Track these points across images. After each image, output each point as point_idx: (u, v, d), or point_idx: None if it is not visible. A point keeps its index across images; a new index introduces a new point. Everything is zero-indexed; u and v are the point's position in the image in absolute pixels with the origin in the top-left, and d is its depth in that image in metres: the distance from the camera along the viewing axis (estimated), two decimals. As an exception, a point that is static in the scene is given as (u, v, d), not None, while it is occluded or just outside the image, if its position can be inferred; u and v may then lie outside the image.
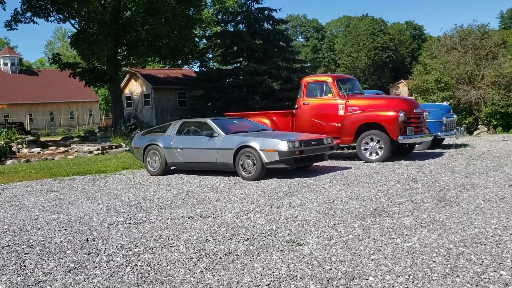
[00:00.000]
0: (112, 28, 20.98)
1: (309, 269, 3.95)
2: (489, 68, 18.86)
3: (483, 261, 3.89)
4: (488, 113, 18.46)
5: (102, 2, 21.66)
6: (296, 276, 3.79)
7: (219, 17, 31.70)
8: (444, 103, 15.50)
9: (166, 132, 10.92)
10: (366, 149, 11.21)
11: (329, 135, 11.66)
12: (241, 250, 4.57)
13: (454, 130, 13.66)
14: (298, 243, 4.70)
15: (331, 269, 3.92)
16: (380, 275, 3.70)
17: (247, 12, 26.51)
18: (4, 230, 5.84)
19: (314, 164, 11.05)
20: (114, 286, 3.75)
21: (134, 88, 29.59)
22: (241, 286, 3.65)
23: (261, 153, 9.18)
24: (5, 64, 55.53)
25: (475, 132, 18.97)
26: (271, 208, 6.49)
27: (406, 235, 4.80)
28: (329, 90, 12.02)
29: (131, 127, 21.48)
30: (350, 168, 10.38)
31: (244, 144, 9.41)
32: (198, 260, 4.32)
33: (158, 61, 28.49)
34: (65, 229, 5.75)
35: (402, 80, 47.87)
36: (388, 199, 6.71)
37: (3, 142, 14.98)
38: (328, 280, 3.66)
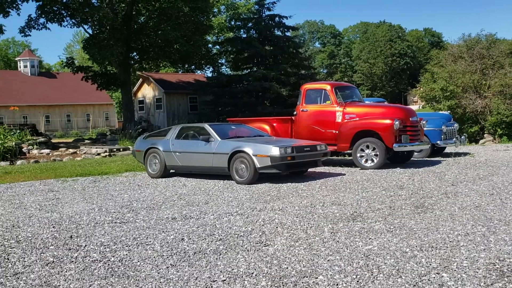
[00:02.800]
0: (123, 33, 21.55)
1: (267, 267, 4.20)
2: (495, 77, 18.86)
3: (430, 264, 4.10)
4: (494, 122, 18.46)
5: (114, 8, 22.23)
6: (252, 273, 4.05)
7: (232, 23, 32.09)
8: (445, 112, 15.58)
9: (166, 136, 11.25)
10: (362, 156, 11.40)
11: (326, 141, 11.90)
12: (211, 249, 4.85)
13: (454, 139, 13.76)
14: (265, 244, 4.96)
15: (287, 268, 4.17)
16: (330, 275, 3.94)
17: (258, 19, 26.87)
18: (-2, 226, 6.21)
19: (310, 170, 11.30)
20: (83, 279, 4.06)
21: (147, 92, 30.14)
22: (199, 281, 3.92)
23: (254, 158, 9.44)
24: (25, 66, 56.86)
25: (480, 141, 18.96)
26: (253, 211, 6.76)
27: (370, 238, 5.02)
28: (327, 97, 12.25)
29: (139, 130, 21.95)
30: (344, 174, 10.58)
31: (238, 149, 9.69)
32: (167, 258, 4.61)
33: (169, 66, 29.02)
34: (53, 227, 6.09)
35: (409, 89, 47.53)
36: (368, 205, 6.92)
37: (13, 143, 15.51)
38: (280, 278, 3.91)
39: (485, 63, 19.48)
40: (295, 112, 12.79)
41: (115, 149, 17.21)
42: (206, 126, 10.78)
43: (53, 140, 24.08)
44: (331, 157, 13.92)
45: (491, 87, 18.88)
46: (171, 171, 11.30)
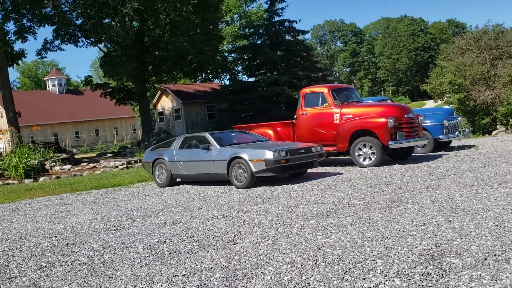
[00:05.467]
0: (135, 50, 22.47)
1: (227, 262, 4.70)
2: (504, 67, 18.83)
3: (372, 252, 4.52)
4: (505, 113, 18.41)
5: (126, 26, 23.19)
6: (212, 268, 4.56)
7: (246, 30, 32.73)
8: (447, 106, 15.67)
9: (171, 147, 11.88)
10: (359, 155, 11.76)
11: (326, 142, 12.35)
12: (185, 250, 5.38)
13: (456, 132, 13.94)
14: (235, 242, 5.46)
15: (244, 261, 4.66)
16: (279, 266, 4.41)
17: (268, 25, 27.40)
18: (6, 239, 6.90)
19: (310, 170, 11.74)
20: (66, 279, 4.65)
21: (166, 103, 31.04)
22: (163, 276, 4.45)
23: (250, 163, 9.95)
24: (53, 85, 58.95)
25: (493, 132, 18.95)
26: (238, 213, 7.26)
27: (331, 232, 5.46)
28: (325, 100, 12.66)
29: (154, 142, 22.75)
30: (341, 173, 10.97)
31: (236, 155, 10.22)
32: (144, 258, 5.16)
33: (183, 77, 29.89)
34: (55, 236, 6.74)
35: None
36: (348, 202, 7.33)
37: (37, 161, 16.46)
38: (234, 271, 4.41)
39: (493, 53, 19.46)
40: (295, 116, 13.24)
41: (132, 161, 17.98)
42: (207, 135, 11.34)
43: (78, 156, 25.16)
44: (334, 157, 14.35)
45: (500, 77, 18.84)
46: (178, 179, 11.90)
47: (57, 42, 23.27)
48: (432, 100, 24.23)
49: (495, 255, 4.10)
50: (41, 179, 15.73)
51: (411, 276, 3.77)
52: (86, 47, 24.48)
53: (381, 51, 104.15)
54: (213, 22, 25.76)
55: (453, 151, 13.51)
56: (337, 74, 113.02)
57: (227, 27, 38.40)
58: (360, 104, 12.78)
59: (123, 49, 22.33)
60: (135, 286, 4.24)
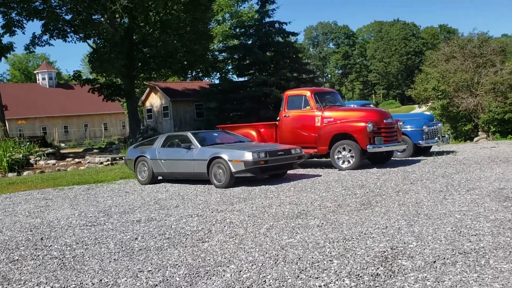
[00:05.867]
0: (123, 47, 22.57)
1: (193, 259, 4.88)
2: (487, 75, 19.18)
3: (331, 253, 4.71)
4: (486, 120, 18.76)
5: (115, 22, 23.24)
6: (177, 264, 4.74)
7: (237, 30, 32.90)
8: (427, 112, 15.94)
9: (153, 145, 12.02)
10: (339, 158, 11.99)
11: (308, 145, 12.57)
12: (155, 247, 5.55)
13: (436, 138, 14.22)
14: (203, 241, 5.64)
15: (209, 259, 4.85)
16: (241, 264, 4.60)
17: (258, 26, 27.60)
18: (-17, 232, 7.02)
19: (290, 172, 11.94)
20: (35, 272, 4.80)
21: (154, 101, 31.12)
22: (128, 271, 4.62)
23: (229, 163, 10.13)
24: (43, 79, 58.73)
25: (475, 139, 19.29)
26: (212, 212, 7.44)
27: (296, 233, 5.66)
28: (307, 103, 12.87)
29: (139, 138, 22.84)
30: (320, 176, 11.18)
31: (216, 155, 10.39)
32: (114, 254, 5.33)
33: (172, 75, 30.01)
34: (30, 230, 6.88)
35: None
36: (320, 204, 7.53)
37: (21, 155, 16.51)
38: (197, 268, 4.59)
39: (476, 61, 19.81)
40: (278, 118, 13.44)
41: (117, 158, 18.08)
42: (189, 134, 11.50)
43: (64, 151, 25.17)
44: (317, 159, 14.56)
45: (483, 85, 19.19)
46: (159, 177, 12.05)
47: (45, 37, 23.31)
48: (417, 106, 24.55)
49: (444, 258, 4.32)
50: (25, 173, 15.79)
51: (361, 276, 3.97)
52: (75, 42, 24.58)
53: (373, 54, 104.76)
54: (204, 21, 25.89)
55: (431, 157, 13.79)
56: (329, 76, 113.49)
57: (218, 26, 38.52)
58: (341, 108, 13.01)
59: (111, 46, 22.43)
60: (101, 280, 4.41)
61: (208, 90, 28.36)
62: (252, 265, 4.54)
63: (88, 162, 17.85)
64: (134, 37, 24.71)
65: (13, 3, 21.32)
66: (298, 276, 4.10)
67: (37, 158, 17.83)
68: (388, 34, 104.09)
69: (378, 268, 4.14)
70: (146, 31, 24.95)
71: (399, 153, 13.90)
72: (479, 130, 19.67)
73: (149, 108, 31.74)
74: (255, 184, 10.33)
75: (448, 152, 14.75)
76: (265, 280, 4.07)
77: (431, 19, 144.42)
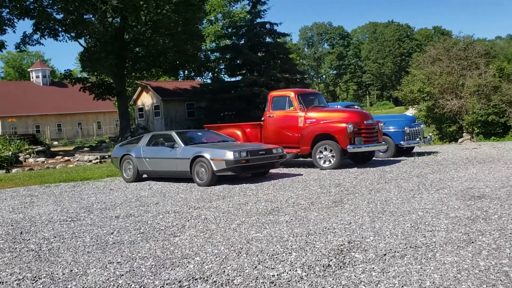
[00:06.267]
0: (114, 46, 22.81)
1: (162, 252, 5.14)
2: (471, 78, 19.52)
3: (291, 246, 4.98)
4: (470, 122, 19.09)
5: (105, 22, 23.47)
6: (145, 257, 4.99)
7: (229, 30, 33.15)
8: (410, 113, 16.25)
9: (138, 144, 12.26)
10: (320, 158, 12.27)
11: (291, 145, 12.85)
12: (129, 241, 5.80)
13: (417, 139, 14.53)
14: (175, 235, 5.90)
15: (177, 252, 5.10)
16: (206, 256, 4.86)
17: (249, 27, 27.87)
18: (-34, 226, 7.25)
19: (272, 171, 12.21)
20: (11, 263, 5.04)
21: (146, 100, 31.34)
22: (99, 263, 4.87)
23: (211, 162, 10.39)
24: (37, 76, 58.68)
25: (459, 140, 19.63)
26: (189, 209, 7.70)
27: (264, 228, 5.93)
28: (291, 103, 13.15)
29: (128, 137, 23.05)
30: (301, 175, 11.45)
31: (198, 154, 10.65)
32: (88, 247, 5.57)
33: (162, 74, 30.26)
34: (11, 225, 7.11)
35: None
36: (294, 201, 7.80)
37: (10, 153, 16.70)
38: (165, 260, 4.84)
39: (461, 64, 20.15)
40: (262, 118, 13.71)
41: (106, 156, 18.30)
42: (173, 133, 11.75)
43: (55, 149, 25.34)
44: (303, 159, 14.83)
45: (467, 87, 19.52)
46: (144, 176, 12.29)
47: (36, 36, 23.53)
48: (404, 107, 24.88)
49: (395, 252, 4.59)
50: (14, 170, 15.99)
51: (312, 267, 4.25)
52: (66, 41, 24.78)
53: (367, 55, 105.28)
54: (195, 22, 26.14)
55: (412, 157, 14.09)
56: (324, 76, 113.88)
57: (211, 26, 38.77)
58: (324, 109, 13.29)
59: (102, 45, 22.65)
60: (71, 271, 4.66)
61: (199, 90, 28.61)
62: (216, 257, 4.80)
63: (77, 160, 18.07)
64: (126, 37, 24.94)
65: (4, 2, 21.50)
66: (256, 267, 4.36)
67: (27, 155, 18.03)
68: (383, 35, 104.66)
69: (331, 260, 4.42)
70: (138, 31, 25.20)
71: (381, 153, 14.20)
72: (464, 131, 20.00)
73: (140, 107, 31.97)
74: (236, 183, 10.59)
75: (429, 153, 15.07)
76: (224, 271, 4.33)
77: (425, 21, 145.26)
